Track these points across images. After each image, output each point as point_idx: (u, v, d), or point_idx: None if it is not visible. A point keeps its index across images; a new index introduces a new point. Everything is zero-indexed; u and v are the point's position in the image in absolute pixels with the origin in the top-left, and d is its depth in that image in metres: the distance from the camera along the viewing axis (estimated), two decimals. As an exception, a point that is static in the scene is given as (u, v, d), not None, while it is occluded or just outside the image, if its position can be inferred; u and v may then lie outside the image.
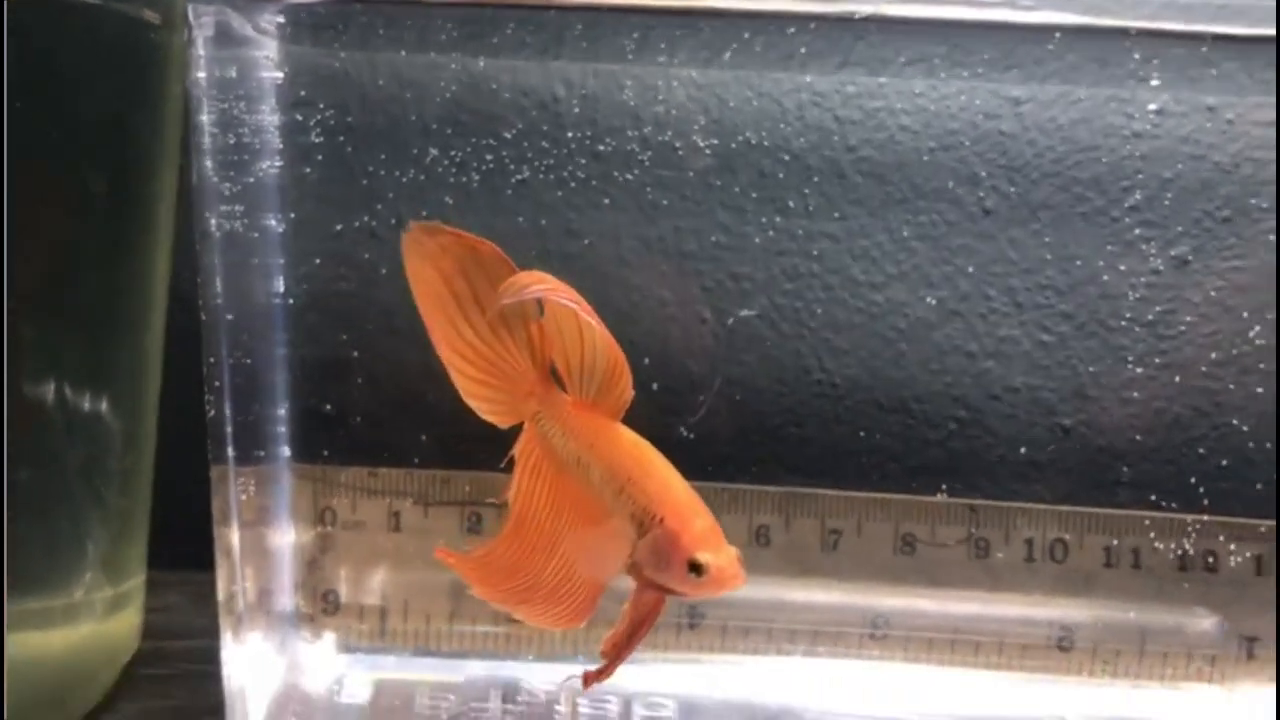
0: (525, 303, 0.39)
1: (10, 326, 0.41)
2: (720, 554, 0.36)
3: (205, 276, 0.41)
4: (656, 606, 0.39)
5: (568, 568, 0.39)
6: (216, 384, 0.41)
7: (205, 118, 0.40)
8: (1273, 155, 0.50)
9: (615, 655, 0.39)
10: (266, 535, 0.47)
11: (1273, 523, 0.50)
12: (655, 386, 0.48)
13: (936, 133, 0.50)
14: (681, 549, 0.36)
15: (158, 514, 0.52)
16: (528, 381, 0.40)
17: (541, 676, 0.49)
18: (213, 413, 0.41)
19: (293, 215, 0.47)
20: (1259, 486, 0.50)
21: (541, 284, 0.37)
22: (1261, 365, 0.50)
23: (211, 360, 0.41)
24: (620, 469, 0.38)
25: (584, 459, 0.39)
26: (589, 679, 0.39)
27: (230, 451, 0.42)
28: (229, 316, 0.41)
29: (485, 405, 0.41)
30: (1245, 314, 0.50)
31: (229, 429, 0.42)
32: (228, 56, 0.41)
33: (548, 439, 0.40)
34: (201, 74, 0.39)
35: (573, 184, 0.49)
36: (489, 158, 0.49)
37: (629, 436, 0.39)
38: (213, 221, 0.40)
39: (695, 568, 0.36)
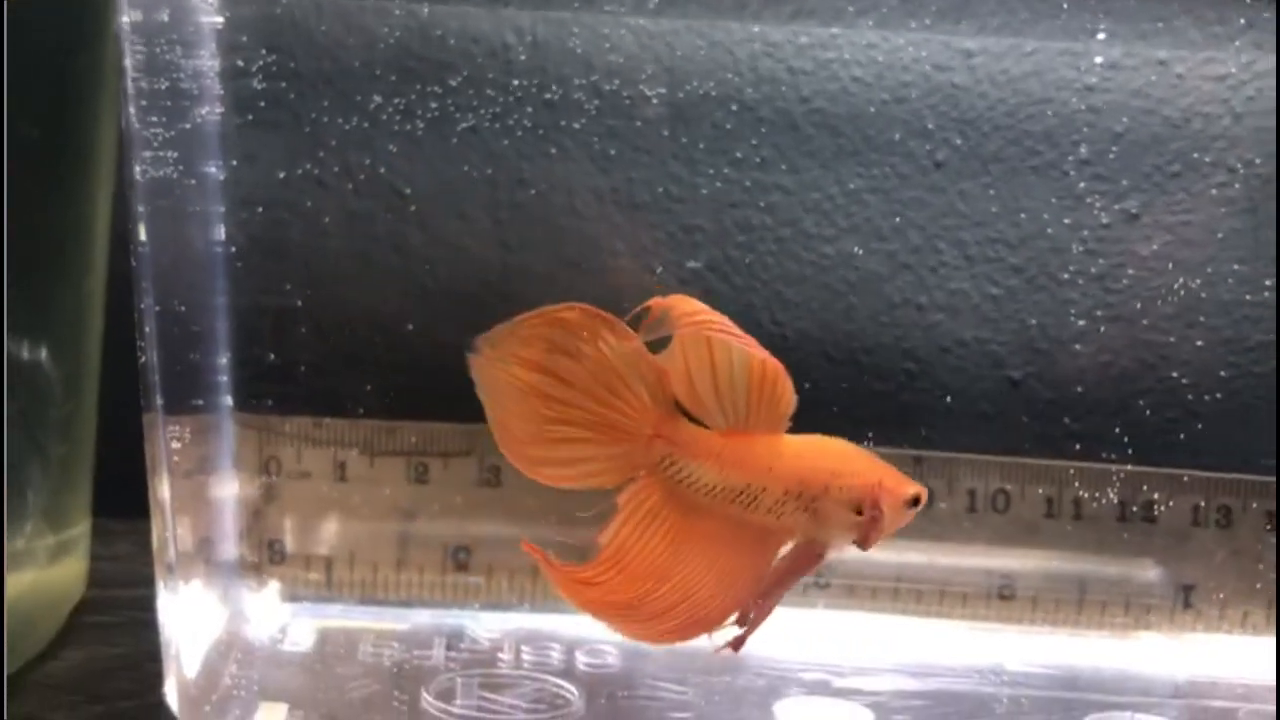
0: (631, 342, 0.36)
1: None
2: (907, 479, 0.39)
3: (132, 224, 0.40)
4: (817, 561, 0.39)
5: (695, 594, 0.37)
6: (146, 330, 0.41)
7: (129, 62, 0.39)
8: (1222, 110, 0.50)
9: (759, 612, 0.38)
10: (207, 484, 0.47)
11: (1205, 474, 0.50)
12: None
13: (889, 85, 0.50)
14: (900, 495, 0.39)
15: (109, 462, 0.52)
16: (649, 424, 0.37)
17: (488, 624, 0.50)
18: (143, 360, 0.41)
19: (234, 162, 0.46)
20: (1199, 438, 0.51)
21: (696, 315, 0.35)
22: (1202, 319, 0.50)
23: (141, 307, 0.41)
24: (817, 476, 0.38)
25: (752, 486, 0.37)
26: (737, 644, 0.39)
27: (159, 399, 0.41)
28: (157, 264, 0.41)
29: (594, 468, 0.37)
30: (1192, 269, 0.50)
31: (157, 377, 0.41)
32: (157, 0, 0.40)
33: (680, 481, 0.37)
34: (125, 17, 0.39)
35: (520, 133, 0.49)
36: (435, 105, 0.48)
37: (799, 443, 0.38)
38: (137, 168, 0.40)
39: (915, 501, 0.39)
